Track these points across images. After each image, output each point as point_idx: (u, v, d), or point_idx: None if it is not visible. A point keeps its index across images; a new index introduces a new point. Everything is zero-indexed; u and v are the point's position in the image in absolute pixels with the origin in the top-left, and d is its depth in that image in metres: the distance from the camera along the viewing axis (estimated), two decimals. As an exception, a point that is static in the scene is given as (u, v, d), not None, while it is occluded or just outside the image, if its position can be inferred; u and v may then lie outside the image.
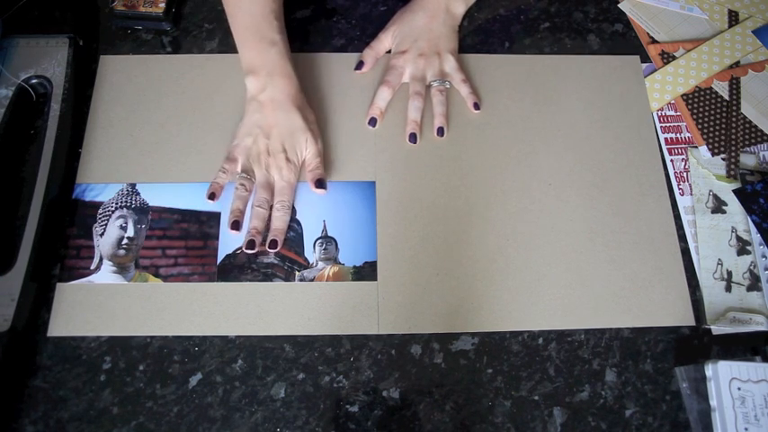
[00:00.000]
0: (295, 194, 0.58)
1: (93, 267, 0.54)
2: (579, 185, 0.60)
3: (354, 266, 0.55)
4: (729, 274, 0.56)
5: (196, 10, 0.66)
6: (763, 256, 0.57)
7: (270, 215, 0.56)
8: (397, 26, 0.63)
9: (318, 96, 0.62)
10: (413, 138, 0.60)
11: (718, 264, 0.57)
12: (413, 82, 0.61)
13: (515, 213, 0.58)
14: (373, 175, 0.59)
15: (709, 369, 0.50)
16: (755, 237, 0.57)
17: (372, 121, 0.61)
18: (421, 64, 0.62)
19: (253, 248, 0.55)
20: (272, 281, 0.55)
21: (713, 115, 0.63)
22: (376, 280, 0.55)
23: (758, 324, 0.54)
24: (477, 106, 0.62)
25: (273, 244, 0.55)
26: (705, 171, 0.61)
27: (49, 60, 0.60)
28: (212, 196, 0.56)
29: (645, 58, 0.66)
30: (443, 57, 0.62)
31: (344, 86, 0.63)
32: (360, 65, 0.63)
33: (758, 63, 0.65)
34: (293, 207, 0.58)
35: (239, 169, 0.57)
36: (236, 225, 0.56)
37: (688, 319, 0.55)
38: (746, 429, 0.47)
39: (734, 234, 0.58)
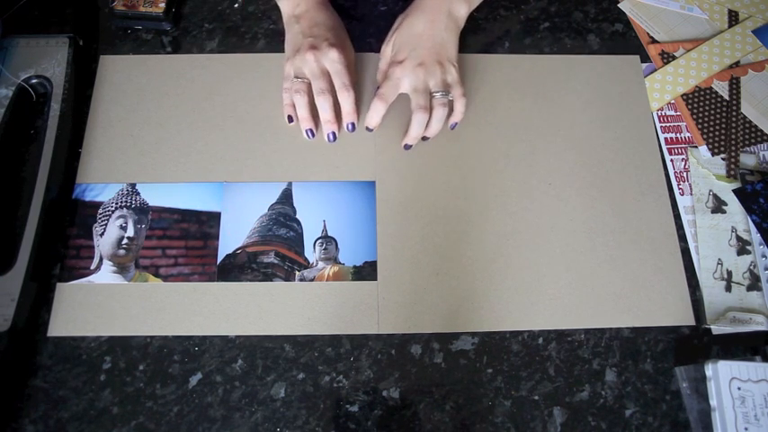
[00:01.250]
0: (355, 74, 0.61)
1: (93, 267, 0.54)
2: (579, 185, 0.60)
3: (354, 266, 0.55)
4: (729, 273, 0.56)
5: (196, 10, 0.66)
6: (763, 256, 0.57)
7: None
8: (397, 34, 0.60)
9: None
10: (408, 147, 0.59)
11: (718, 263, 0.57)
12: (415, 94, 0.56)
13: (515, 213, 0.58)
14: (373, 175, 0.59)
15: (709, 369, 0.50)
16: (755, 236, 0.57)
17: (368, 130, 0.59)
18: (421, 74, 0.56)
19: (335, 140, 0.58)
20: (272, 281, 0.55)
21: (713, 115, 0.63)
22: (376, 280, 0.55)
23: (758, 324, 0.54)
24: (454, 126, 0.60)
25: (352, 126, 0.58)
26: (705, 171, 0.61)
27: (48, 60, 0.60)
28: (289, 119, 0.59)
29: (645, 58, 0.66)
30: (446, 67, 0.58)
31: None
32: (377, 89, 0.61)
33: (758, 63, 0.65)
34: (293, 206, 0.58)
35: (293, 75, 0.58)
36: (311, 134, 0.59)
37: (688, 319, 0.55)
38: (746, 429, 0.47)
39: (734, 234, 0.58)
